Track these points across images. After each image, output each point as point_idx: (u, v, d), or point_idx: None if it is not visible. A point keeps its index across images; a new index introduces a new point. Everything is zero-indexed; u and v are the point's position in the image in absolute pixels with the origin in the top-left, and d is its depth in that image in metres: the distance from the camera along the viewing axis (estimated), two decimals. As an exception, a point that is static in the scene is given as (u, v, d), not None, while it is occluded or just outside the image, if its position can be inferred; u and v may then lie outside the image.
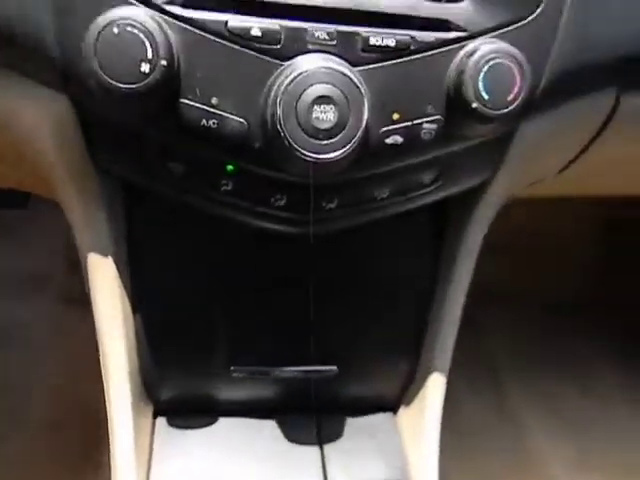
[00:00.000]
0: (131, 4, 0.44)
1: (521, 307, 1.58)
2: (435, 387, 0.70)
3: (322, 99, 0.44)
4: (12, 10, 0.44)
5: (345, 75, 0.44)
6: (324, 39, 0.46)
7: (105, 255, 0.58)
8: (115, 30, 0.42)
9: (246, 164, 0.50)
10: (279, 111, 0.44)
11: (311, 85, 0.44)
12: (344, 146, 0.45)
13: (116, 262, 0.59)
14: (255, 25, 0.45)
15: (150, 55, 0.42)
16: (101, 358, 0.64)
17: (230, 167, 0.51)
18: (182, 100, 0.46)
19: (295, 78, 0.44)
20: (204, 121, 0.46)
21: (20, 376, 1.31)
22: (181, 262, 0.64)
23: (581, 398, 1.42)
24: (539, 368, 1.47)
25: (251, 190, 0.53)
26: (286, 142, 0.44)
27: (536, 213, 1.42)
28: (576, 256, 1.69)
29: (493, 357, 1.50)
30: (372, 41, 0.46)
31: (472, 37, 0.48)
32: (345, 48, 0.46)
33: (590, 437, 1.33)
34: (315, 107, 0.44)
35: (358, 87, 0.44)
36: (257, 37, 0.45)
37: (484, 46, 0.47)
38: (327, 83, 0.44)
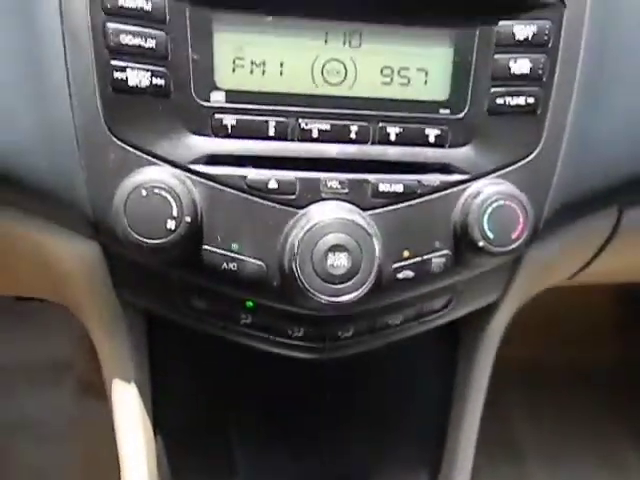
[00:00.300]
0: (157, 164, 0.48)
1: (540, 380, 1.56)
2: None
3: (336, 247, 0.47)
4: (44, 172, 0.49)
5: (357, 224, 0.47)
6: (336, 188, 0.49)
7: (128, 381, 0.60)
8: (143, 192, 0.46)
9: (264, 301, 0.53)
10: (296, 258, 0.47)
11: (325, 235, 0.47)
12: (357, 289, 0.47)
13: (138, 387, 0.61)
14: (272, 178, 0.49)
15: (176, 213, 0.46)
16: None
17: (249, 303, 0.54)
18: (204, 247, 0.49)
19: (310, 228, 0.47)
20: (225, 264, 0.49)
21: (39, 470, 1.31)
22: (200, 382, 0.66)
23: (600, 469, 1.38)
24: (559, 440, 1.44)
25: (269, 323, 0.55)
26: (302, 286, 0.47)
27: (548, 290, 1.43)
28: (592, 330, 1.68)
29: (512, 430, 1.47)
30: (381, 188, 0.50)
31: (475, 179, 0.51)
32: (356, 195, 0.50)
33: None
34: (329, 254, 0.47)
35: (370, 235, 0.47)
36: (274, 189, 0.49)
37: (487, 188, 0.50)
38: (340, 232, 0.47)
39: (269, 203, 0.49)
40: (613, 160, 0.56)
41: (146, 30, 0.46)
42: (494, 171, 0.51)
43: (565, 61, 0.51)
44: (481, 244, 0.49)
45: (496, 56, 0.50)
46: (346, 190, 0.49)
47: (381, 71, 0.50)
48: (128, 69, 0.46)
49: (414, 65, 0.50)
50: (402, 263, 0.51)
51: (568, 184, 0.54)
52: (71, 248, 0.53)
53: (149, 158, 0.47)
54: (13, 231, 0.54)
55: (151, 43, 0.46)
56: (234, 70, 0.48)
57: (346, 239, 0.47)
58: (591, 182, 0.56)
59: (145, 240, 0.45)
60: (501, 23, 0.49)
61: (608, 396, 1.56)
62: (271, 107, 0.49)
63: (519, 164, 0.52)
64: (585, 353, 1.65)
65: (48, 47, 0.46)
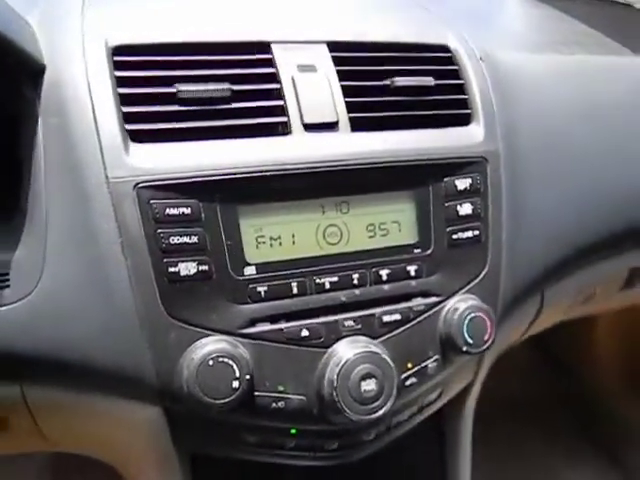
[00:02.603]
0: (211, 335, 0.58)
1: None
2: None
3: (366, 375, 0.59)
4: (115, 356, 0.57)
5: (378, 354, 0.60)
6: (352, 325, 0.62)
7: None
8: (210, 362, 0.55)
9: (306, 427, 0.63)
10: (337, 388, 0.58)
11: (356, 367, 0.59)
12: (386, 403, 0.60)
13: None
14: (303, 328, 0.61)
15: (238, 374, 0.56)
16: None
17: (293, 430, 0.64)
18: (256, 393, 0.59)
19: (345, 364, 0.59)
20: (274, 404, 0.60)
21: None
22: None
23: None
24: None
25: (310, 443, 0.66)
26: (343, 410, 0.59)
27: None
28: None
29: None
30: (385, 319, 0.64)
31: (448, 298, 0.67)
32: (367, 328, 0.63)
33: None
34: (362, 382, 0.59)
35: (387, 360, 0.60)
36: (306, 336, 0.61)
37: (461, 304, 0.66)
38: (367, 363, 0.60)
39: (303, 348, 0.61)
40: (535, 261, 0.75)
41: (189, 229, 0.57)
42: (460, 289, 0.67)
43: (494, 200, 0.69)
44: (465, 348, 0.64)
45: (446, 204, 0.67)
46: (359, 326, 0.63)
47: (366, 228, 0.64)
48: (179, 263, 0.57)
49: (389, 219, 0.65)
50: (408, 373, 0.64)
51: (510, 286, 0.72)
52: (135, 415, 0.61)
53: (203, 331, 0.58)
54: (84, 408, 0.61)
55: (194, 239, 0.57)
56: (257, 247, 0.60)
57: (372, 368, 0.59)
58: (522, 279, 0.74)
59: (217, 402, 0.55)
60: (446, 179, 0.67)
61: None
62: (291, 271, 0.61)
63: (476, 281, 0.68)
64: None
65: (109, 254, 0.55)
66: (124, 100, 0.58)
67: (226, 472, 0.73)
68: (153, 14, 0.66)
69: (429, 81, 0.68)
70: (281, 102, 0.62)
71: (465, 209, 0.67)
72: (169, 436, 0.63)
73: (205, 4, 0.71)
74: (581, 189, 0.79)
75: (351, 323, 0.62)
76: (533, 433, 1.65)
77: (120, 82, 0.58)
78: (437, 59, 0.71)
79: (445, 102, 0.69)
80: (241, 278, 0.59)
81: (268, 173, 0.59)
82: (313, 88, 0.63)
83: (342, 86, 0.64)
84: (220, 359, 0.56)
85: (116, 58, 0.59)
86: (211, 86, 0.60)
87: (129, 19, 0.64)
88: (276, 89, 0.62)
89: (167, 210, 0.56)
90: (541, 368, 1.78)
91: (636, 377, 1.63)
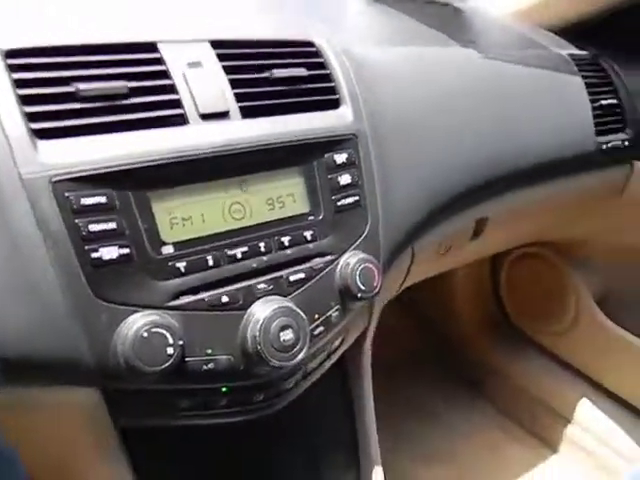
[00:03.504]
0: (140, 311, 0.63)
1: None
2: None
3: (284, 327, 0.68)
4: (51, 348, 0.59)
5: (291, 308, 0.69)
6: (264, 288, 0.71)
7: None
8: (145, 334, 0.61)
9: (235, 384, 0.71)
10: (260, 342, 0.67)
11: (275, 321, 0.68)
12: (302, 350, 0.69)
13: None
14: (223, 295, 0.68)
15: (171, 341, 0.62)
16: None
17: (224, 389, 0.71)
18: (187, 358, 0.65)
19: (265, 320, 0.67)
20: (204, 366, 0.66)
21: None
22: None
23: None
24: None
25: (239, 398, 0.73)
26: (267, 360, 0.67)
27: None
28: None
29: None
30: (291, 279, 0.73)
31: (341, 255, 0.78)
32: (278, 288, 0.72)
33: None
34: (281, 334, 0.68)
35: (301, 315, 0.70)
36: (227, 302, 0.68)
37: (352, 259, 0.77)
38: (284, 317, 0.68)
39: (225, 312, 0.68)
40: (405, 220, 0.89)
41: (106, 217, 0.61)
42: (350, 247, 0.79)
43: (367, 171, 0.81)
44: (359, 295, 0.76)
45: (329, 176, 0.78)
46: (271, 287, 0.71)
47: (266, 202, 0.73)
48: (101, 248, 0.61)
49: (285, 193, 0.75)
50: (316, 323, 0.74)
51: (386, 241, 0.85)
52: (75, 400, 0.63)
53: (132, 308, 0.62)
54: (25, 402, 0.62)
55: (112, 225, 0.62)
56: (172, 227, 0.66)
57: (288, 320, 0.68)
58: (397, 235, 0.88)
59: (155, 368, 0.60)
60: (326, 155, 0.78)
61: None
62: (205, 246, 0.68)
63: (361, 239, 0.80)
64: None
65: (32, 249, 0.58)
66: (25, 100, 0.60)
67: (156, 444, 0.78)
68: (45, 18, 0.69)
69: (302, 72, 0.79)
70: (177, 96, 0.68)
71: (345, 179, 0.79)
72: (108, 416, 0.66)
73: (95, 8, 0.75)
74: (439, 160, 0.94)
75: (264, 286, 0.71)
76: (415, 384, 1.86)
77: (18, 84, 0.61)
78: (306, 53, 0.82)
79: (318, 89, 0.80)
80: (160, 257, 0.65)
81: (172, 160, 0.66)
82: (204, 82, 0.71)
83: (229, 79, 0.72)
84: (153, 329, 0.61)
85: (10, 61, 0.61)
86: (109, 84, 0.65)
87: (22, 24, 0.66)
88: (169, 85, 0.69)
89: (83, 201, 0.60)
90: (414, 326, 2.00)
91: (487, 323, 1.90)
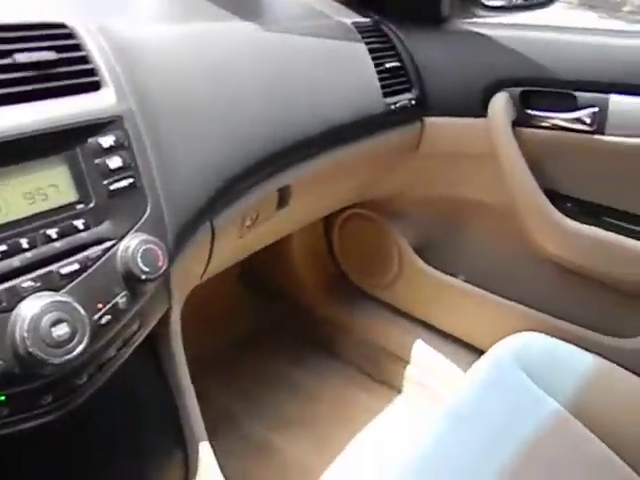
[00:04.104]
0: None
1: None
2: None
3: (56, 322, 0.66)
4: None
5: (63, 301, 0.67)
6: (30, 285, 0.68)
7: None
8: None
9: (13, 389, 0.67)
10: (28, 342, 0.64)
11: (44, 316, 0.65)
12: (81, 342, 0.68)
13: None
14: None
15: None
16: None
17: (2, 397, 0.67)
18: None
19: (32, 318, 0.64)
20: None
21: None
22: None
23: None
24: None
25: (22, 405, 0.69)
26: (41, 359, 0.65)
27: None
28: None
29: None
30: (63, 271, 0.70)
31: (121, 239, 0.76)
32: (48, 284, 0.69)
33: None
34: (53, 329, 0.66)
35: (75, 306, 0.68)
36: None
37: (132, 241, 0.76)
38: (54, 311, 0.66)
39: None
40: (193, 197, 0.89)
41: None
42: (131, 229, 0.78)
43: (140, 152, 0.80)
44: (143, 277, 0.75)
45: (96, 161, 0.75)
46: (39, 284, 0.68)
47: (24, 196, 0.70)
48: None
49: (46, 184, 0.71)
50: (100, 313, 0.73)
51: (172, 220, 0.85)
52: None
53: None
54: None
55: None
56: None
57: (60, 314, 0.66)
58: (186, 212, 0.88)
59: None
60: (90, 140, 0.75)
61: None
62: None
63: (142, 220, 0.79)
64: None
65: None
66: None
67: None
68: None
69: (50, 55, 0.75)
70: None
71: (115, 162, 0.77)
72: None
73: None
74: (219, 134, 0.95)
75: (30, 283, 0.68)
76: (275, 357, 1.91)
77: None
78: (56, 35, 0.78)
79: (73, 73, 0.77)
80: None
81: None
82: None
83: None
84: None
85: None
86: None
87: None
88: None
89: None
90: (256, 299, 2.04)
91: (327, 283, 2.00)
